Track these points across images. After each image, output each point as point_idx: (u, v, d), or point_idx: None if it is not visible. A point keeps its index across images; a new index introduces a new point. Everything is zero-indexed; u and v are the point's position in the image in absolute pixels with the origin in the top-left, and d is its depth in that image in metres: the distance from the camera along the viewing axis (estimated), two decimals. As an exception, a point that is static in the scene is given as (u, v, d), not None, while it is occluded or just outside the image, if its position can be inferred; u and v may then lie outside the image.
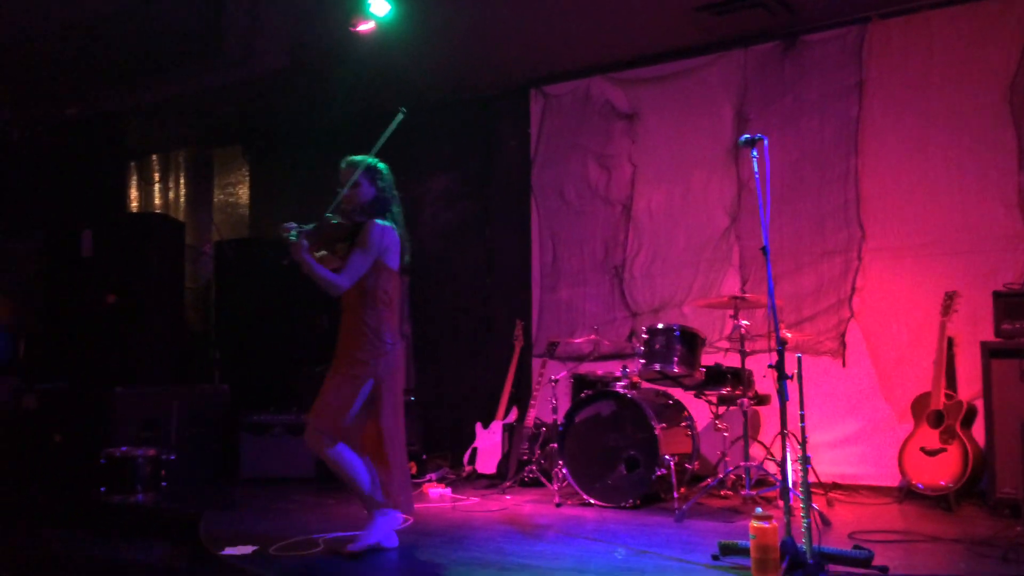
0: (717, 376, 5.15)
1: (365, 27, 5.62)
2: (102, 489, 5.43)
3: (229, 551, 3.80)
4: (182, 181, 8.66)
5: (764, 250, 3.49)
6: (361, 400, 3.77)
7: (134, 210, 8.73)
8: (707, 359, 5.36)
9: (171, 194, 8.68)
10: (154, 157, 8.85)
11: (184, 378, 6.80)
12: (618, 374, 5.31)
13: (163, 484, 5.60)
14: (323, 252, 3.96)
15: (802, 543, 3.23)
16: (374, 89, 7.05)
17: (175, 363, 6.76)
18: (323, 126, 7.77)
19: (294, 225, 3.66)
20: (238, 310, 7.41)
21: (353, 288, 3.81)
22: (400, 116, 3.89)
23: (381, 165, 4.02)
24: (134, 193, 8.90)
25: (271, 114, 8.03)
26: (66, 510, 5.42)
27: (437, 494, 5.43)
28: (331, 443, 3.72)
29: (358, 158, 3.98)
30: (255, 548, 3.85)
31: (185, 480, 5.90)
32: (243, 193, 8.79)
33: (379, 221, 3.85)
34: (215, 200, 8.80)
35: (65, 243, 6.90)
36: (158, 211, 8.59)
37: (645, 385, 5.39)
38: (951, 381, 5.02)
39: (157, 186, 8.81)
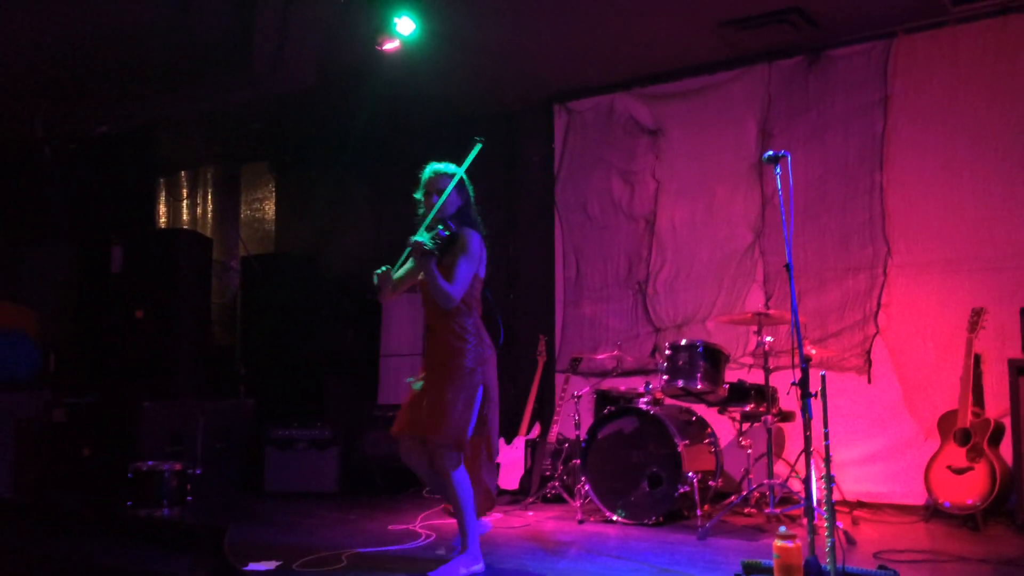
0: (740, 393, 5.13)
1: (391, 45, 5.68)
2: (129, 503, 5.49)
3: (253, 566, 3.83)
4: (210, 197, 8.77)
5: (788, 267, 3.48)
6: (477, 410, 3.75)
7: (162, 226, 8.85)
8: (731, 375, 5.35)
9: (199, 210, 8.79)
10: (183, 173, 8.98)
11: (210, 392, 6.87)
12: (641, 390, 5.30)
13: (188, 498, 5.65)
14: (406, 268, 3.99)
15: (826, 563, 3.21)
16: (399, 106, 7.12)
17: (202, 377, 6.83)
18: (348, 142, 7.84)
19: (422, 240, 3.66)
20: (264, 325, 7.49)
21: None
22: (478, 147, 3.90)
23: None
24: (163, 209, 9.02)
25: (297, 130, 8.13)
26: (94, 523, 5.47)
27: (460, 509, 5.42)
28: (456, 463, 3.69)
29: (443, 166, 3.96)
30: (279, 563, 3.88)
31: (210, 494, 5.95)
32: (269, 209, 8.88)
33: (472, 230, 3.85)
34: (242, 216, 8.91)
35: (95, 258, 7.01)
36: (186, 227, 8.70)
37: (668, 401, 5.37)
38: (978, 398, 4.96)
39: (185, 202, 8.92)
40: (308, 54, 5.63)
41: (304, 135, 8.25)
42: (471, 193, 3.96)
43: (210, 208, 8.71)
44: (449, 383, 3.70)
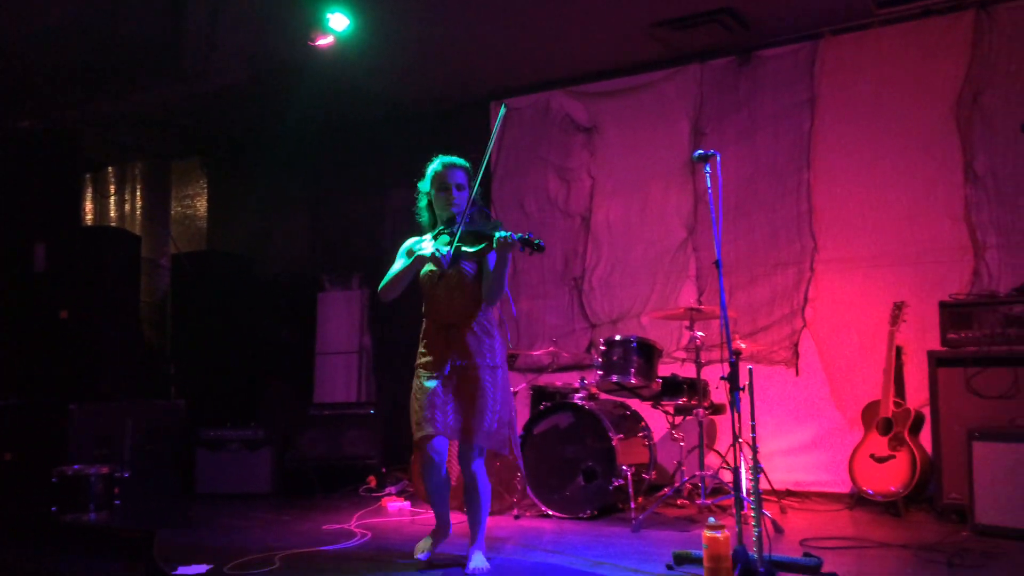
0: (673, 387, 5.21)
1: (324, 41, 5.63)
2: (53, 508, 5.33)
3: (183, 570, 3.76)
4: (138, 193, 8.55)
5: (717, 264, 3.55)
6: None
7: (89, 223, 8.61)
8: (664, 370, 5.43)
9: (127, 207, 8.57)
10: (110, 169, 8.74)
11: (139, 394, 6.71)
12: (576, 386, 5.35)
13: (117, 502, 5.51)
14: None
15: (754, 551, 3.29)
16: (334, 103, 7.06)
17: (130, 378, 6.66)
18: (283, 139, 7.74)
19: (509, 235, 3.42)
20: (195, 324, 7.35)
21: (472, 292, 3.67)
22: (503, 111, 3.79)
23: None
24: (89, 206, 8.78)
25: (230, 126, 7.99)
26: (16, 529, 5.31)
27: (396, 507, 5.42)
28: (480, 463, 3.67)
29: (454, 158, 3.80)
30: (210, 566, 3.82)
31: (140, 497, 5.80)
32: (201, 205, 8.72)
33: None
34: (172, 213, 8.72)
35: (17, 257, 6.78)
36: (113, 224, 8.48)
37: (603, 396, 5.43)
38: (900, 389, 5.13)
39: (113, 198, 8.69)
40: (239, 50, 5.56)
41: (237, 131, 8.12)
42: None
43: (139, 205, 8.49)
44: (489, 383, 3.62)
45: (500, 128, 3.76)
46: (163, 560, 4.00)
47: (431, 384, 3.65)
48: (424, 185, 3.80)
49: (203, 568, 3.79)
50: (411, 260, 3.66)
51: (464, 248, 3.56)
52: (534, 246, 3.37)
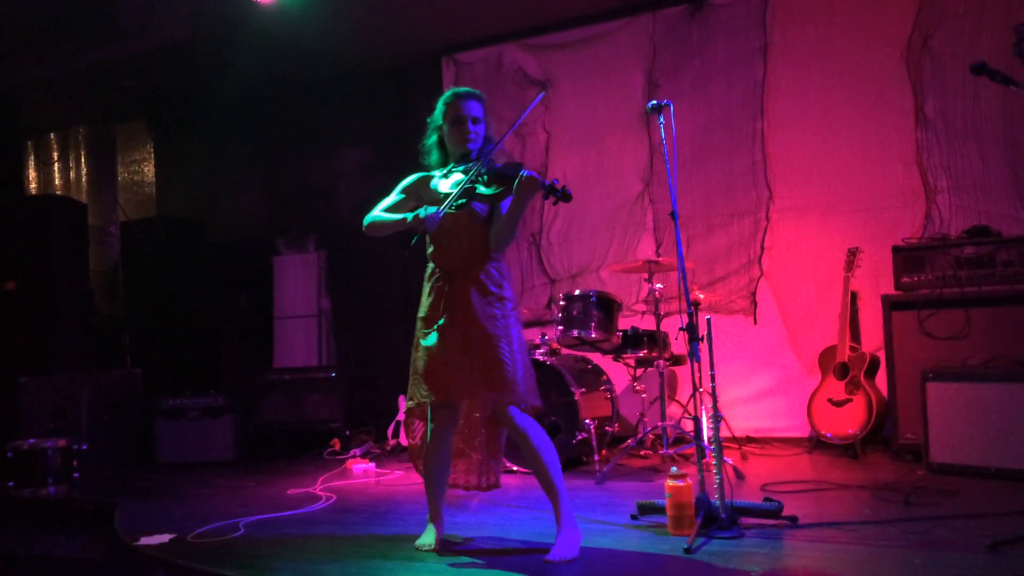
0: (634, 339, 5.23)
1: (267, -3, 5.46)
2: (11, 484, 5.25)
3: (145, 540, 3.71)
4: (83, 159, 8.33)
5: (673, 215, 3.54)
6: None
7: (32, 192, 8.37)
8: (624, 323, 5.45)
9: (72, 174, 8.35)
10: (52, 135, 8.49)
11: (94, 364, 6.59)
12: (537, 341, 5.35)
13: (75, 475, 5.44)
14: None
15: (716, 498, 3.33)
16: (280, 61, 6.89)
17: (83, 349, 6.55)
18: (230, 99, 7.55)
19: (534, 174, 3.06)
20: (149, 292, 7.21)
21: (482, 236, 3.28)
22: (542, 93, 3.49)
23: None
24: (32, 174, 8.53)
25: (175, 88, 7.77)
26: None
27: (361, 470, 5.41)
28: (529, 416, 3.21)
29: (470, 89, 3.40)
30: (173, 536, 3.77)
31: (99, 470, 5.74)
32: (149, 171, 8.51)
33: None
34: (119, 178, 8.50)
35: (-41, 229, 6.59)
36: (58, 192, 8.26)
37: (564, 351, 5.44)
38: (855, 334, 5.21)
39: (57, 166, 8.46)
40: (178, 7, 5.37)
41: (182, 93, 7.90)
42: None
43: (84, 172, 8.27)
44: (501, 331, 3.19)
45: (531, 108, 3.47)
46: (125, 531, 3.97)
47: (430, 341, 3.26)
48: (435, 118, 3.39)
49: (166, 537, 3.75)
50: (401, 214, 3.28)
51: (481, 190, 3.15)
52: (560, 194, 2.98)
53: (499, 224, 3.24)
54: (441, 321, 3.25)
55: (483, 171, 3.16)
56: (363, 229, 3.40)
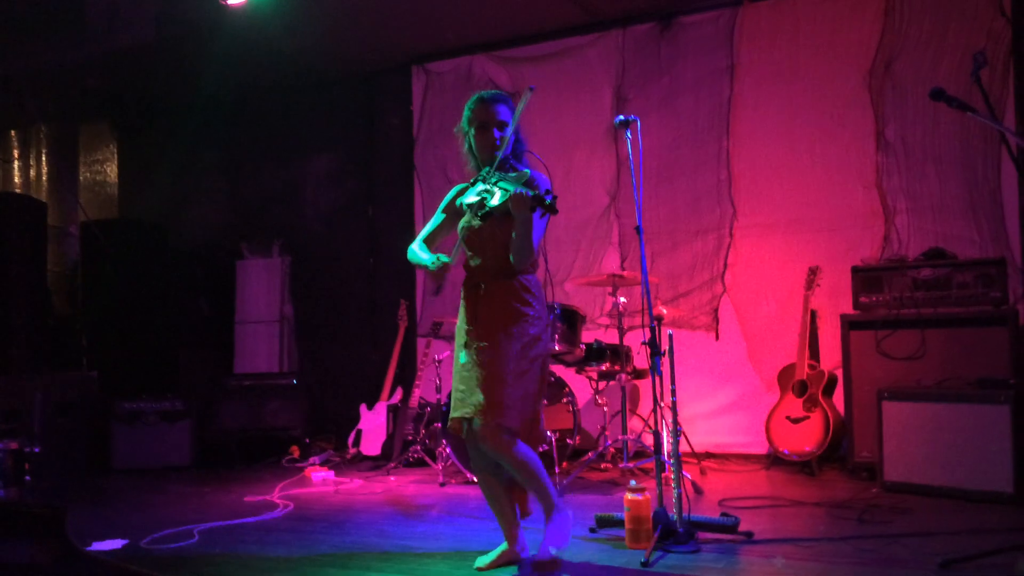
0: (597, 353, 5.25)
1: (235, 0, 5.42)
2: (-41, 486, 5.13)
3: (97, 546, 3.65)
4: (44, 158, 8.18)
5: (638, 229, 3.57)
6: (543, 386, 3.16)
7: (-9, 189, 8.22)
8: (588, 336, 5.47)
9: (32, 172, 8.19)
10: (13, 133, 8.34)
11: (49, 366, 6.47)
12: (501, 352, 5.34)
13: (27, 478, 5.32)
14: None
15: (674, 512, 3.35)
16: (249, 66, 6.84)
17: (38, 350, 6.42)
18: (197, 102, 7.49)
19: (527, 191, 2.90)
20: (108, 294, 7.08)
21: (507, 248, 3.08)
22: (529, 93, 3.15)
23: None
24: (-9, 171, 8.37)
25: (140, 89, 7.69)
26: (-81, 510, 5.08)
27: (320, 478, 5.36)
28: (514, 440, 3.03)
29: (494, 93, 3.25)
30: (126, 541, 3.72)
31: (52, 473, 5.63)
32: (111, 171, 8.40)
33: (540, 173, 3.19)
34: (81, 179, 8.37)
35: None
36: (18, 191, 8.10)
37: (527, 363, 5.44)
38: (814, 352, 5.28)
39: (17, 163, 8.30)
40: (145, 8, 5.31)
41: (148, 95, 7.81)
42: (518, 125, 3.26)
43: (45, 170, 8.13)
44: (512, 354, 3.04)
45: (523, 106, 3.18)
46: (77, 536, 3.89)
47: (460, 357, 3.16)
48: (463, 124, 3.26)
49: (119, 543, 3.69)
50: (425, 258, 3.17)
51: (490, 203, 3.01)
52: (546, 206, 2.85)
53: (512, 242, 3.06)
54: (466, 338, 3.15)
55: (494, 182, 3.04)
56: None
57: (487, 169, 3.13)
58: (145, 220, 7.68)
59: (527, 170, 3.15)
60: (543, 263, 3.43)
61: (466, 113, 3.25)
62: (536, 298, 3.15)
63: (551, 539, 3.14)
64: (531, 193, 2.87)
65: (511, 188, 2.94)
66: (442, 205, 3.36)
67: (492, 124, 3.16)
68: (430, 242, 3.31)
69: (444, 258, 3.11)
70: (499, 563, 3.20)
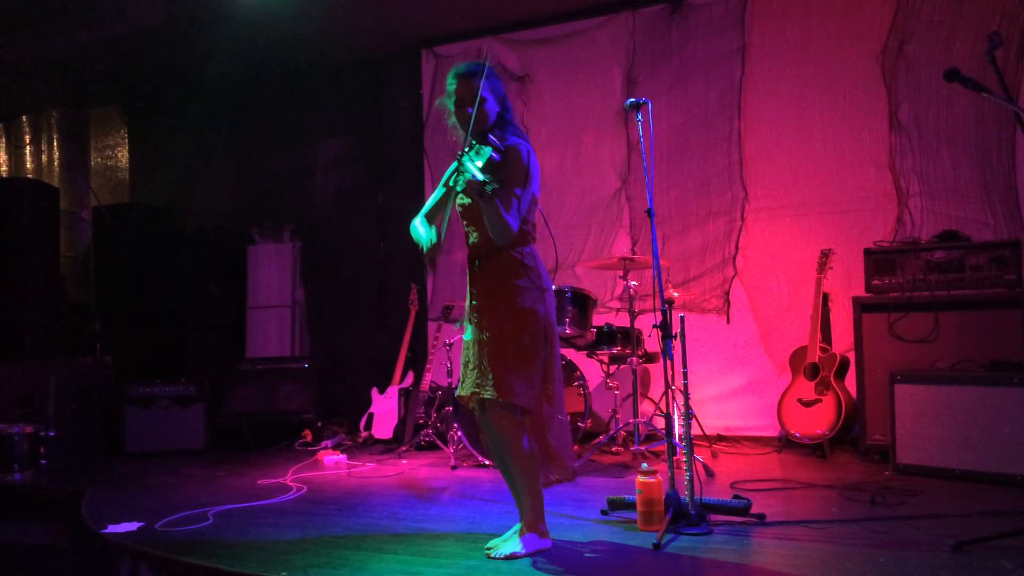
0: (608, 336, 5.25)
1: (246, -17, 5.41)
2: (-24, 469, 5.19)
3: (112, 528, 3.68)
4: (55, 143, 8.21)
5: (649, 213, 3.55)
6: (542, 361, 3.10)
7: (3, 175, 8.25)
8: (599, 319, 5.47)
9: (44, 157, 8.22)
10: (24, 118, 8.36)
11: (63, 351, 6.51)
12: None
13: (43, 462, 5.39)
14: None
15: (685, 495, 3.36)
16: (258, 50, 6.83)
17: (52, 335, 6.47)
18: (206, 87, 7.49)
19: (478, 176, 2.88)
20: (120, 279, 7.13)
21: None
22: (487, 62, 3.08)
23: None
24: (3, 157, 8.40)
25: (150, 74, 7.69)
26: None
27: (332, 461, 5.39)
28: (521, 429, 3.05)
29: (467, 66, 3.16)
30: (141, 524, 3.75)
31: (67, 457, 5.69)
32: (122, 156, 8.42)
33: (520, 141, 3.12)
34: (92, 164, 8.40)
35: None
36: (30, 176, 8.14)
37: (538, 346, 5.44)
38: (826, 335, 5.26)
39: (28, 149, 8.33)
40: (155, -8, 5.32)
41: (158, 79, 7.82)
42: (503, 93, 3.21)
43: (56, 156, 8.16)
44: (508, 329, 3.05)
45: (483, 77, 3.07)
46: (92, 519, 3.93)
47: (466, 333, 3.18)
48: (444, 99, 3.23)
49: (134, 526, 3.72)
50: (423, 236, 3.17)
51: (461, 181, 3.06)
52: (483, 195, 2.88)
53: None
54: (469, 314, 3.18)
55: (466, 161, 2.98)
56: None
57: (467, 145, 3.06)
58: (156, 205, 7.72)
59: (512, 140, 3.10)
60: (552, 241, 3.41)
61: (447, 88, 3.20)
62: (530, 269, 3.12)
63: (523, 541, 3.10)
64: (479, 179, 2.87)
65: (470, 172, 2.92)
66: (444, 179, 3.32)
67: (467, 99, 3.09)
68: (431, 216, 3.29)
69: (433, 237, 3.14)
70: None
